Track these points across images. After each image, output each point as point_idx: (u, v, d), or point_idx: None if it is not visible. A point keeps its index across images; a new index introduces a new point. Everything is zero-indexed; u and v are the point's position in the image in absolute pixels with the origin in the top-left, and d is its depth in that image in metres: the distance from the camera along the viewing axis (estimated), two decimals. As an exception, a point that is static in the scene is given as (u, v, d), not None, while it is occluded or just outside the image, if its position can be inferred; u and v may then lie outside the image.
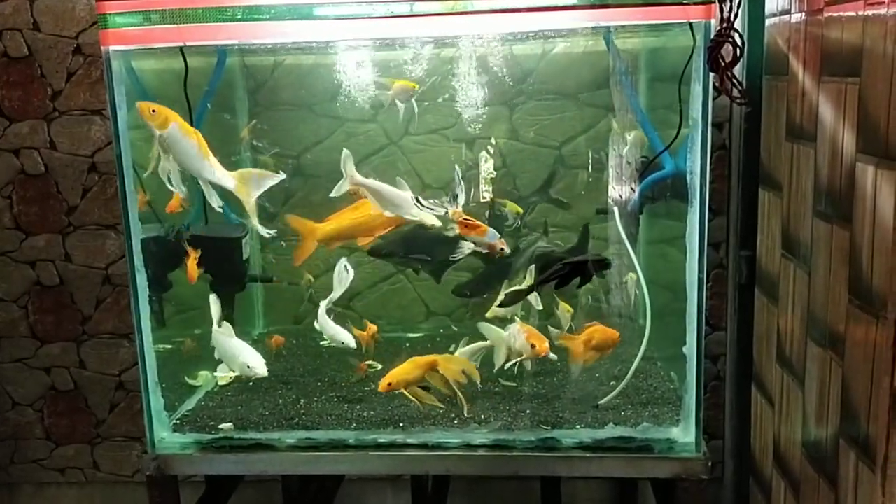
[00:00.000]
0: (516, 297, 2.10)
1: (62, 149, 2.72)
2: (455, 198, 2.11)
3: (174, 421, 2.12)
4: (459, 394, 2.06)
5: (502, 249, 2.09)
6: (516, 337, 2.05)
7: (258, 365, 2.03)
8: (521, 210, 2.34)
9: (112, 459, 2.94)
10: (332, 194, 2.07)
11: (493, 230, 2.10)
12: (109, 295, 2.82)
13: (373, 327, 2.37)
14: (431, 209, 2.09)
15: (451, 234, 2.33)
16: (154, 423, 2.06)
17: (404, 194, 2.06)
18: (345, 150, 2.05)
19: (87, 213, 2.76)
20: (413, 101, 2.19)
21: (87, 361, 2.87)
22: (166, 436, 2.08)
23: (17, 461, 2.97)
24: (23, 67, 2.67)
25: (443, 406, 2.07)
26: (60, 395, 2.90)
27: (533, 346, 1.99)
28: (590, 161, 2.35)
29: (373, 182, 2.07)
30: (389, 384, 1.99)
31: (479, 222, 2.09)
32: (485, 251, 2.11)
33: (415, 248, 2.32)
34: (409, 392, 2.02)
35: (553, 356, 2.10)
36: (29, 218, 2.78)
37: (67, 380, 2.88)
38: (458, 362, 2.05)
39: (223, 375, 2.35)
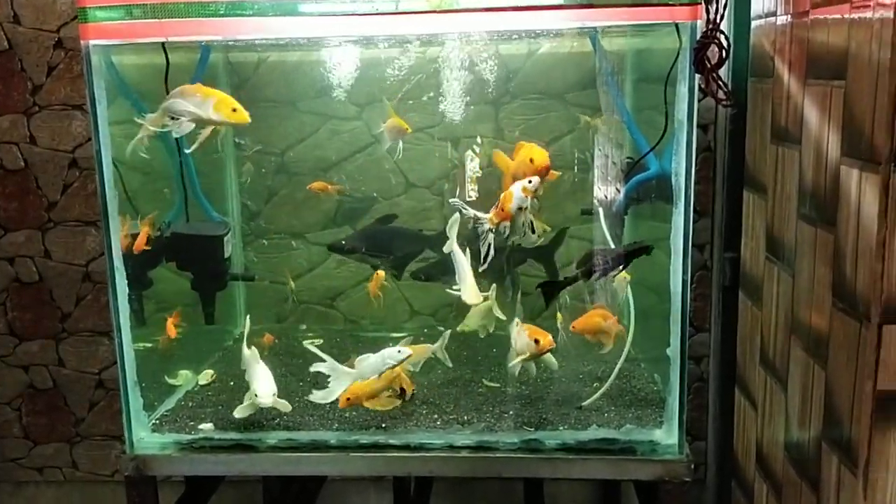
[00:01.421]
0: (553, 289, 2.06)
1: (42, 144, 2.69)
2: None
3: (153, 421, 2.10)
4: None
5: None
6: (517, 337, 2.01)
7: (265, 395, 1.96)
8: (548, 228, 2.28)
9: (91, 459, 2.92)
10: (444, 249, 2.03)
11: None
12: (89, 292, 2.79)
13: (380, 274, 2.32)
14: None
15: (412, 230, 2.35)
16: (133, 422, 2.03)
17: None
18: (453, 217, 2.00)
19: (67, 209, 2.74)
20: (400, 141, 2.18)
21: (66, 359, 2.84)
22: (145, 436, 2.05)
23: (-5, 460, 2.94)
24: (3, 61, 2.64)
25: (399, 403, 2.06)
26: (39, 393, 2.87)
27: (537, 342, 1.94)
28: (575, 161, 2.34)
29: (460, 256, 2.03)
30: (348, 399, 1.98)
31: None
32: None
33: (376, 245, 2.31)
34: (370, 403, 2.01)
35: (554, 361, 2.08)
36: (8, 213, 2.75)
37: (46, 378, 2.86)
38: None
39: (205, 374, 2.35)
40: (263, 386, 1.98)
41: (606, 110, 2.30)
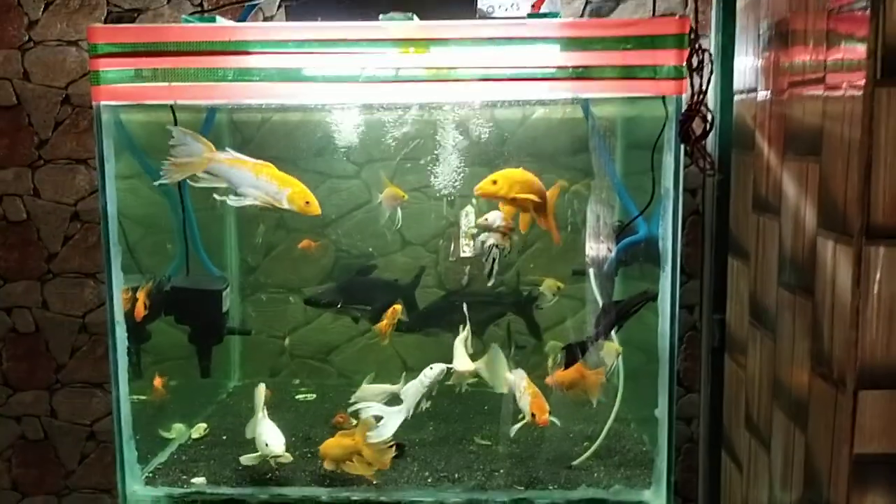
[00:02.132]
0: (577, 351, 2.10)
1: (46, 196, 2.73)
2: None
3: (147, 474, 2.10)
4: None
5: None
6: (521, 394, 2.03)
7: (276, 445, 2.00)
8: (561, 285, 2.36)
9: (79, 512, 2.89)
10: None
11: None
12: (85, 343, 2.81)
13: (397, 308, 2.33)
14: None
15: (390, 279, 2.38)
16: (126, 475, 2.04)
17: None
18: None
19: (67, 261, 2.77)
20: (398, 208, 2.25)
21: (58, 410, 2.84)
22: (138, 489, 2.06)
23: (-19, 511, 2.92)
24: (11, 116, 2.70)
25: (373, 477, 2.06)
26: (30, 444, 2.86)
27: (533, 416, 1.98)
28: (568, 223, 2.40)
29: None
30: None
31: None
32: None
33: (353, 297, 2.34)
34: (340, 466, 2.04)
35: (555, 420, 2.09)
36: (8, 264, 2.78)
37: (38, 429, 2.85)
38: (379, 451, 2.04)
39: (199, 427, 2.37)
40: (274, 437, 2.01)
41: (598, 174, 2.37)
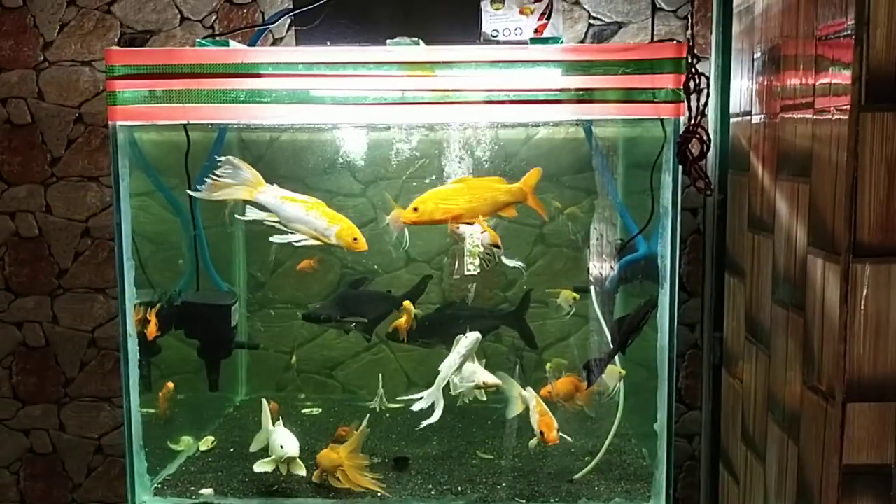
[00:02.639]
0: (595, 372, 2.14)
1: (57, 213, 2.77)
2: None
3: (156, 485, 2.14)
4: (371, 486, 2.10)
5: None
6: (531, 412, 2.08)
7: (291, 447, 2.04)
8: (577, 297, 2.38)
9: (86, 525, 2.91)
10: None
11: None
12: (94, 358, 2.83)
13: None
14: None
15: (381, 292, 2.42)
16: (136, 486, 2.08)
17: None
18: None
19: (77, 277, 2.80)
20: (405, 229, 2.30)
21: (66, 424, 2.86)
22: (148, 499, 2.09)
23: (-10, 524, 2.94)
24: (25, 134, 2.75)
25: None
26: (38, 457, 2.88)
27: (541, 434, 2.03)
28: (571, 240, 2.45)
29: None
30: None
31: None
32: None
33: (348, 310, 2.38)
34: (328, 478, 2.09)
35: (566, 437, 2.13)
36: (20, 279, 2.81)
37: (46, 442, 2.87)
38: (358, 469, 2.10)
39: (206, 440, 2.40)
40: (289, 441, 2.05)
41: (600, 193, 2.42)
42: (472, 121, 2.10)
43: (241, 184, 2.00)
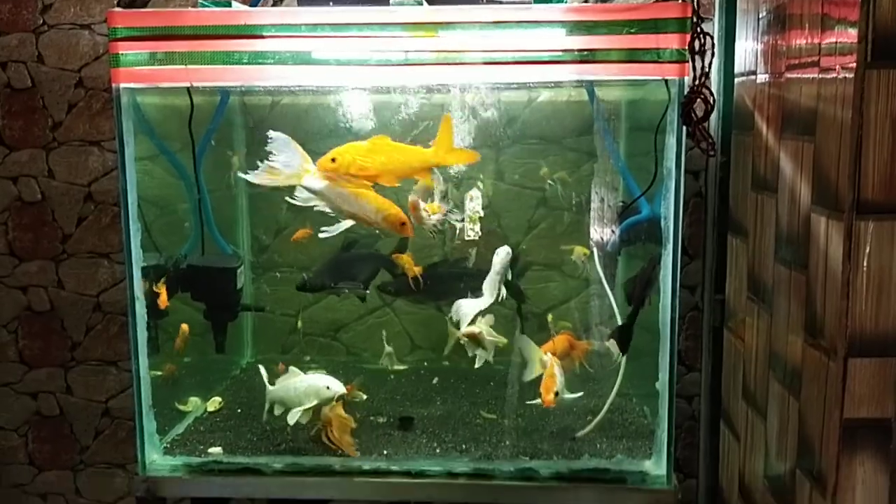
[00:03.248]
0: (629, 333, 2.15)
1: (60, 178, 2.77)
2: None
3: (165, 444, 2.17)
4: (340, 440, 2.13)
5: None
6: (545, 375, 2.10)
7: (335, 384, 2.06)
8: (588, 252, 2.38)
9: (94, 486, 2.95)
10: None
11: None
12: (99, 322, 2.85)
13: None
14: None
15: (369, 252, 2.43)
16: (146, 445, 2.11)
17: None
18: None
19: (81, 242, 2.81)
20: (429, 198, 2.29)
21: (73, 387, 2.89)
22: (157, 458, 2.12)
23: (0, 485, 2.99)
24: (25, 98, 2.74)
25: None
26: (46, 420, 2.91)
27: (539, 395, 2.05)
28: (573, 203, 2.45)
29: None
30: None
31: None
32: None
33: (339, 275, 2.38)
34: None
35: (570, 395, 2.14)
36: (23, 244, 2.82)
37: (53, 405, 2.90)
38: (344, 424, 2.13)
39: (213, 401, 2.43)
40: (329, 379, 2.08)
41: (602, 156, 2.42)
42: (475, 82, 2.09)
43: (292, 167, 1.97)
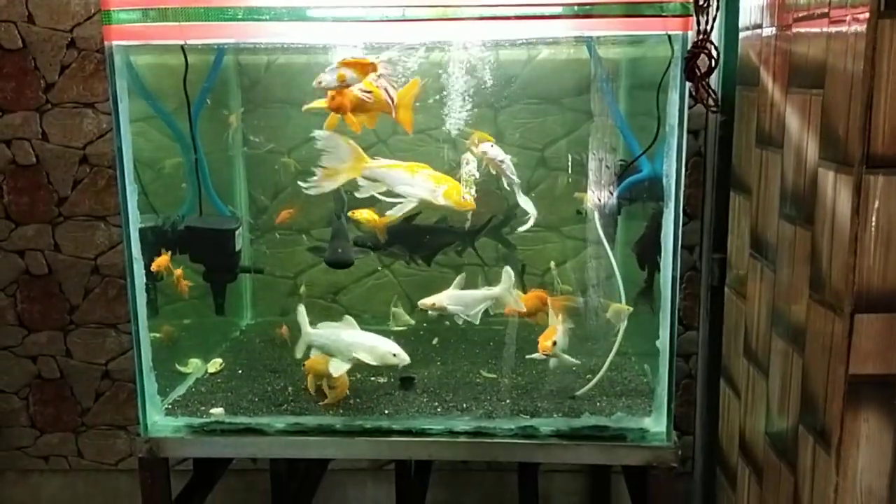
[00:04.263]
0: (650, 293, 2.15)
1: (54, 140, 2.74)
2: None
3: (166, 405, 2.17)
4: (325, 388, 2.14)
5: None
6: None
7: (402, 353, 2.03)
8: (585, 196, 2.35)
9: (96, 448, 2.97)
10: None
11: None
12: (98, 285, 2.84)
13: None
14: None
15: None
16: (147, 406, 2.11)
17: None
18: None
19: (77, 205, 2.79)
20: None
21: (73, 350, 2.89)
22: (159, 419, 2.12)
23: (1, 448, 2.98)
24: (17, 59, 2.69)
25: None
26: (46, 383, 2.92)
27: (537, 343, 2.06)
28: (568, 163, 2.44)
29: None
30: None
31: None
32: None
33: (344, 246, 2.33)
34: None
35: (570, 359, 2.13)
36: (19, 208, 2.80)
37: (54, 368, 2.91)
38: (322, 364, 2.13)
39: (214, 362, 2.43)
40: (394, 346, 2.05)
41: (600, 115, 2.40)
42: (473, 38, 2.05)
43: (345, 162, 1.96)
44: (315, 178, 1.97)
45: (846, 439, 1.43)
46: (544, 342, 2.03)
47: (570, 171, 2.42)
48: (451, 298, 2.14)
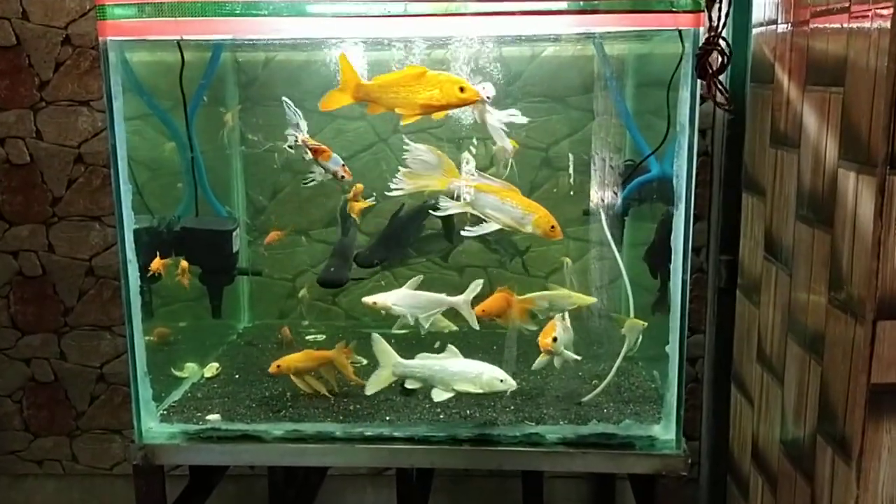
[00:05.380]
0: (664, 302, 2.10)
1: (48, 139, 2.71)
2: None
3: (161, 411, 2.13)
4: (356, 380, 2.13)
5: (343, 177, 2.11)
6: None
7: (509, 379, 1.98)
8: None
9: (91, 452, 2.93)
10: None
11: (337, 156, 2.12)
12: (92, 287, 2.81)
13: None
14: None
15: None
16: (142, 412, 2.06)
17: None
18: None
19: (71, 204, 2.75)
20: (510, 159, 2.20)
21: (67, 353, 2.86)
22: (154, 426, 2.08)
23: (-5, 452, 2.95)
24: (11, 56, 2.66)
25: (329, 396, 2.14)
26: (40, 386, 2.88)
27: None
28: (566, 163, 2.39)
29: None
30: (278, 367, 2.09)
31: (325, 147, 2.11)
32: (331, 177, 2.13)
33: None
34: (297, 378, 2.10)
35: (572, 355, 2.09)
36: (13, 207, 2.76)
37: (48, 371, 2.87)
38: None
39: (211, 367, 2.38)
40: (499, 371, 1.99)
41: (605, 113, 2.35)
42: (478, 34, 2.00)
43: (433, 173, 1.91)
44: (396, 180, 1.92)
45: (868, 450, 1.38)
46: (544, 339, 1.98)
47: (575, 172, 2.38)
48: (399, 298, 2.11)
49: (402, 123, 1.92)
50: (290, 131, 2.11)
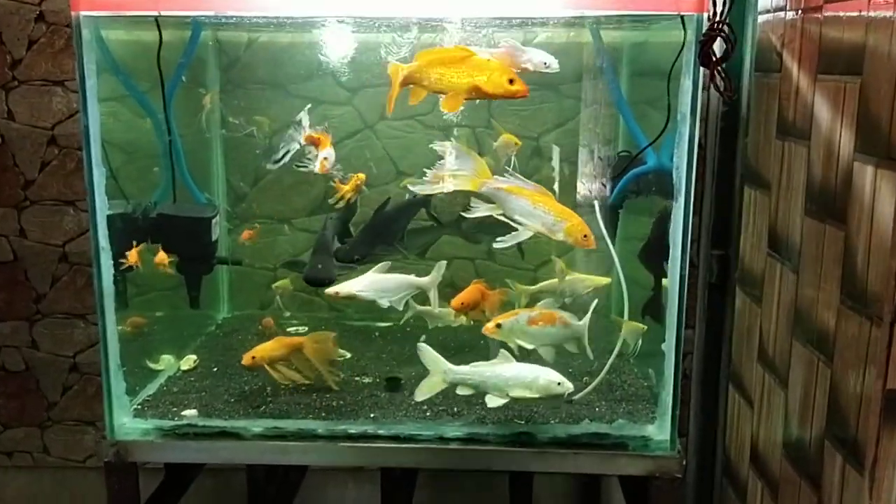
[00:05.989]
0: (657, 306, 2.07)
1: (21, 119, 2.63)
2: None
3: (135, 406, 2.06)
4: (326, 374, 2.09)
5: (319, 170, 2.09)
6: None
7: (565, 381, 1.90)
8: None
9: (63, 444, 2.87)
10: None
11: (331, 150, 2.10)
12: (66, 273, 2.74)
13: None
14: None
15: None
16: (114, 407, 1.99)
17: None
18: None
19: (44, 188, 2.68)
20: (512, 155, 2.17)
21: (39, 342, 2.79)
22: (127, 421, 2.01)
23: (-38, 443, 2.88)
24: (-20, 34, 2.57)
25: (308, 381, 2.11)
26: (10, 375, 2.81)
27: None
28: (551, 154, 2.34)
29: None
30: (253, 358, 2.03)
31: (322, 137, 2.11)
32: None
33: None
34: (272, 368, 2.06)
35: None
36: (-18, 192, 2.68)
37: (18, 360, 2.80)
38: (325, 343, 2.08)
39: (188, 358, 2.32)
40: (555, 373, 1.91)
41: (598, 102, 2.29)
42: (470, 15, 1.93)
43: (465, 174, 1.83)
44: (425, 178, 1.84)
45: (882, 459, 1.33)
46: (489, 325, 1.92)
47: (566, 162, 2.33)
48: (365, 284, 2.08)
49: (441, 108, 1.80)
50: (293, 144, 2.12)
